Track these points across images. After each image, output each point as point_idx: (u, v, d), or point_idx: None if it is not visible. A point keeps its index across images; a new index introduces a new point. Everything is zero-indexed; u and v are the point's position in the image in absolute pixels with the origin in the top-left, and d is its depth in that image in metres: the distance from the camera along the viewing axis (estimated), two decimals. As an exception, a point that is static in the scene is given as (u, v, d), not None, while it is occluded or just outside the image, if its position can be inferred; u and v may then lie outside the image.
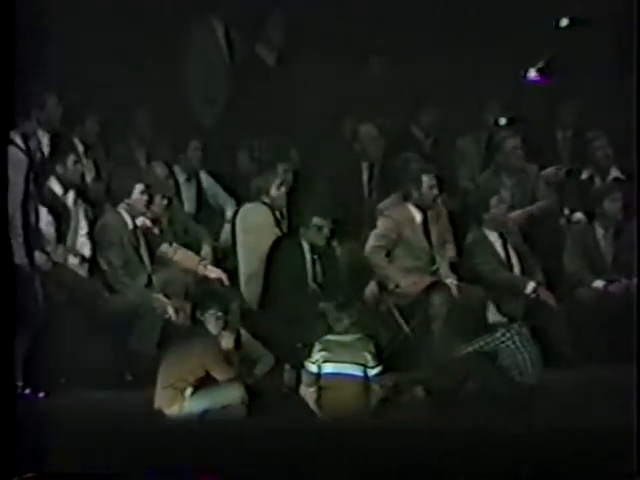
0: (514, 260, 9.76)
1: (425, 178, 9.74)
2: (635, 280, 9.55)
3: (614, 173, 10.27)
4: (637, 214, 8.99)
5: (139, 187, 9.64)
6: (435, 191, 9.73)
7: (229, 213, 10.08)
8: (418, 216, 9.73)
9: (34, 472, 7.77)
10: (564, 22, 10.16)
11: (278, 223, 9.75)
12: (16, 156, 9.02)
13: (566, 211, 10.12)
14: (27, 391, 8.90)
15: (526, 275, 9.67)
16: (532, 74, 10.23)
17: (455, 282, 9.52)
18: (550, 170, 10.34)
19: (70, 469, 7.99)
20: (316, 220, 9.54)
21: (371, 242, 9.66)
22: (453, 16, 10.60)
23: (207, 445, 8.15)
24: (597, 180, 10.32)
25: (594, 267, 9.75)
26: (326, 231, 9.55)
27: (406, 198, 9.80)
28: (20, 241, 8.97)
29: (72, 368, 9.00)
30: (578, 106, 10.57)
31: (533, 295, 9.55)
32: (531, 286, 9.57)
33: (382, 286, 9.56)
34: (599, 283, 9.65)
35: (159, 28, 10.47)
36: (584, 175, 10.36)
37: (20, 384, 8.88)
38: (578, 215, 10.03)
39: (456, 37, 10.59)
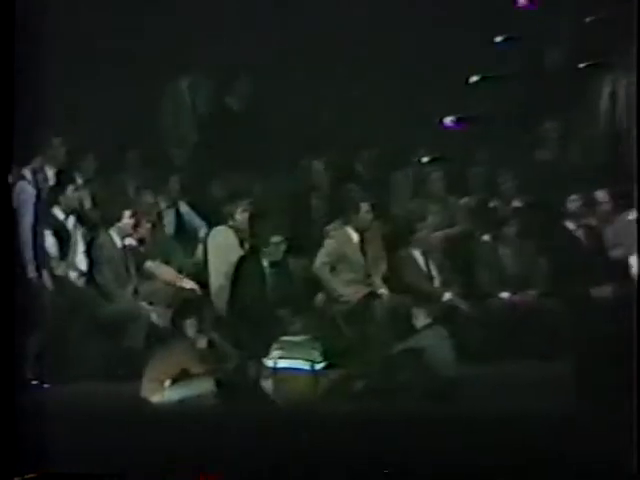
0: (435, 273, 9.63)
1: (362, 205, 9.62)
2: (532, 292, 9.49)
3: (515, 203, 10.09)
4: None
5: (127, 213, 9.49)
6: (371, 216, 9.61)
7: (202, 235, 9.91)
8: (356, 237, 9.60)
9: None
10: (474, 78, 10.01)
11: (242, 243, 9.58)
12: (26, 188, 8.93)
13: (477, 233, 9.93)
14: (35, 382, 8.74)
15: (445, 286, 9.55)
16: (448, 121, 10.06)
17: (386, 292, 9.40)
18: (465, 200, 10.20)
19: (69, 450, 7.73)
20: (274, 239, 9.43)
21: (319, 259, 9.53)
22: (386, 73, 10.43)
23: (183, 427, 8.04)
24: (501, 208, 10.12)
25: (499, 280, 9.60)
26: (282, 248, 9.44)
27: (347, 222, 9.66)
28: (30, 258, 8.86)
29: (73, 363, 8.89)
30: (487, 148, 10.39)
31: (450, 303, 9.40)
32: (448, 295, 9.44)
33: (328, 295, 9.43)
34: (505, 294, 9.50)
35: (148, 81, 10.32)
36: (492, 204, 10.17)
37: (30, 377, 8.74)
38: (486, 237, 9.85)
39: (388, 90, 10.41)
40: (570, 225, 9.81)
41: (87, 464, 7.68)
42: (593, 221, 9.91)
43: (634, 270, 9.58)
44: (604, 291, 9.47)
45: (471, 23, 10.06)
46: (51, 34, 9.17)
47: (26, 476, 7.35)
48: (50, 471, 7.45)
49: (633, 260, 9.62)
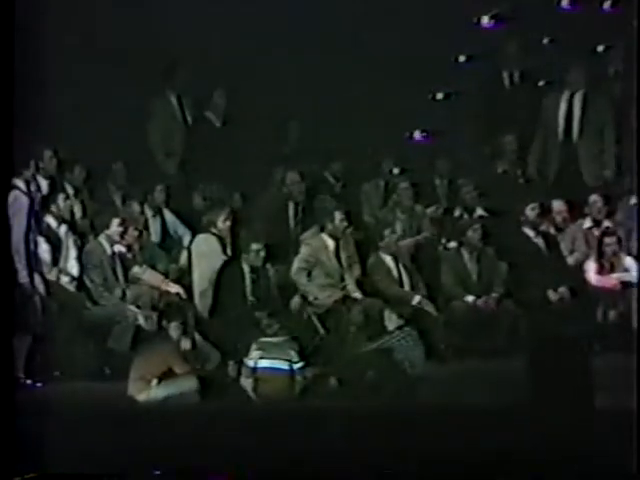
0: (404, 278, 9.49)
1: (337, 214, 9.50)
2: (494, 295, 9.37)
3: (479, 211, 10.01)
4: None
5: (115, 221, 9.35)
6: (344, 224, 9.49)
7: (186, 242, 9.75)
8: (331, 244, 9.48)
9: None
10: (439, 95, 9.93)
11: (224, 249, 9.44)
12: (20, 198, 8.80)
13: (443, 240, 9.84)
14: (28, 382, 8.61)
15: (413, 290, 9.41)
16: (417, 135, 9.97)
17: (360, 295, 9.28)
18: (431, 209, 10.10)
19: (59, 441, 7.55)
20: (254, 246, 9.29)
21: (295, 265, 9.40)
22: (356, 91, 10.29)
23: (168, 423, 7.93)
24: (466, 216, 10.01)
25: (464, 284, 9.47)
26: (262, 255, 9.30)
27: (322, 230, 9.55)
28: (23, 264, 8.73)
29: (64, 364, 8.75)
30: (452, 160, 10.31)
31: (418, 305, 9.28)
32: (417, 299, 9.31)
33: (304, 299, 9.28)
34: (470, 298, 9.38)
35: (134, 97, 10.15)
36: (456, 213, 10.08)
37: (22, 376, 8.59)
38: (452, 243, 9.74)
39: (358, 106, 10.30)
40: (529, 232, 9.75)
41: (75, 459, 7.53)
42: (550, 228, 9.88)
43: (588, 274, 9.57)
44: (560, 294, 9.42)
45: (437, 43, 9.99)
46: (39, 54, 9.03)
47: (25, 476, 7.16)
48: (47, 471, 7.26)
49: (587, 264, 9.61)
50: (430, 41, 10.05)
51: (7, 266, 8.28)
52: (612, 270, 9.43)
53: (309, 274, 9.35)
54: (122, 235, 9.32)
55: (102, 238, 9.32)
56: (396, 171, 10.12)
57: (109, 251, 9.29)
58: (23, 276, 8.66)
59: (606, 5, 8.93)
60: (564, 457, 7.10)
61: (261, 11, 10.21)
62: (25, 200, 8.82)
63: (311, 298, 9.26)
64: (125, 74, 10.09)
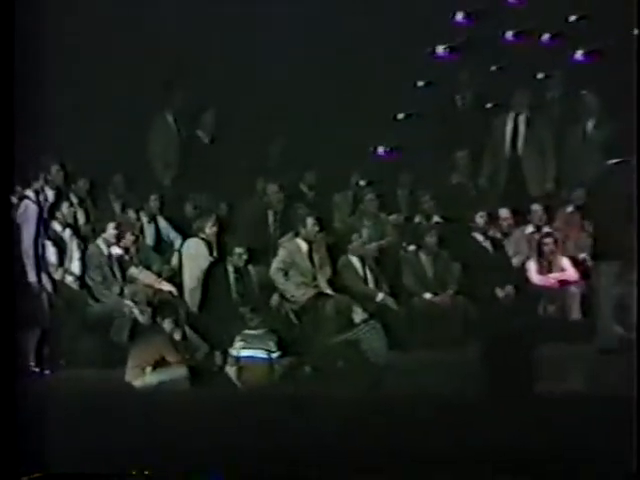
0: (369, 277, 9.50)
1: (309, 220, 9.50)
2: (449, 292, 9.41)
3: (435, 219, 10.02)
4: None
5: (111, 225, 9.34)
6: (316, 229, 9.49)
7: (177, 245, 9.73)
8: (305, 247, 9.48)
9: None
10: (400, 116, 9.91)
11: (211, 252, 9.46)
12: (30, 206, 8.80)
13: (404, 244, 9.85)
14: (37, 369, 8.60)
15: (377, 288, 9.43)
16: (380, 151, 9.94)
17: (331, 292, 9.29)
18: (394, 216, 10.09)
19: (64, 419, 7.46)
20: (237, 249, 9.32)
21: (274, 266, 9.41)
22: (326, 111, 10.26)
23: (160, 406, 7.94)
24: (424, 223, 10.02)
25: (422, 282, 9.50)
26: (244, 257, 9.33)
27: (297, 234, 9.55)
28: (32, 265, 8.69)
29: (68, 353, 8.74)
30: (412, 174, 10.30)
31: (382, 301, 9.30)
32: (380, 296, 9.34)
33: (282, 296, 9.29)
34: (427, 295, 9.42)
35: (131, 114, 10.06)
36: (415, 220, 10.09)
37: (32, 364, 8.59)
38: (411, 247, 9.77)
39: (329, 125, 10.26)
40: (478, 237, 9.79)
41: (79, 440, 7.45)
42: (497, 233, 9.92)
43: (530, 274, 9.61)
44: (506, 291, 9.47)
45: (398, 70, 9.99)
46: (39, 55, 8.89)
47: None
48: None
49: (529, 265, 9.65)
50: (392, 68, 10.07)
51: (15, 267, 8.21)
52: (550, 270, 9.50)
53: (286, 274, 9.35)
54: (118, 237, 9.29)
55: (100, 241, 9.30)
56: (363, 183, 10.13)
57: (106, 252, 9.26)
58: (32, 276, 8.63)
59: (544, 38, 8.99)
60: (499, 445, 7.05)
61: (247, 42, 10.19)
62: (34, 208, 8.81)
63: (288, 295, 9.26)
64: (126, 96, 10.00)
